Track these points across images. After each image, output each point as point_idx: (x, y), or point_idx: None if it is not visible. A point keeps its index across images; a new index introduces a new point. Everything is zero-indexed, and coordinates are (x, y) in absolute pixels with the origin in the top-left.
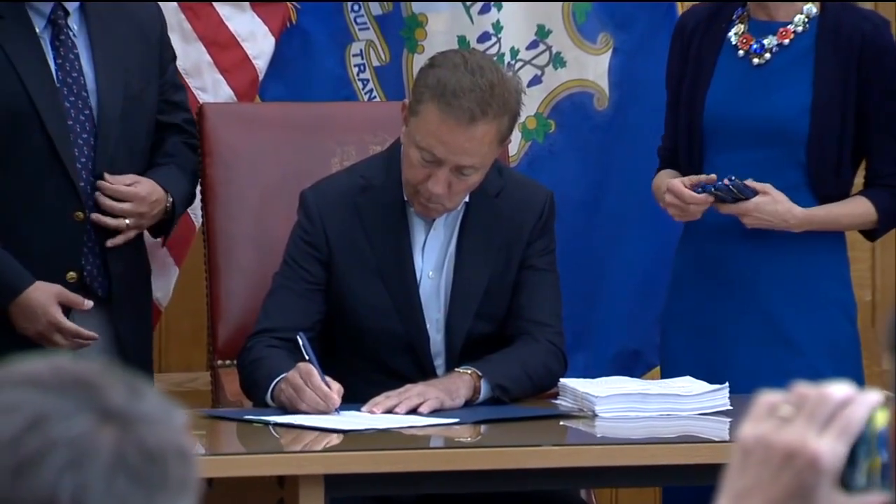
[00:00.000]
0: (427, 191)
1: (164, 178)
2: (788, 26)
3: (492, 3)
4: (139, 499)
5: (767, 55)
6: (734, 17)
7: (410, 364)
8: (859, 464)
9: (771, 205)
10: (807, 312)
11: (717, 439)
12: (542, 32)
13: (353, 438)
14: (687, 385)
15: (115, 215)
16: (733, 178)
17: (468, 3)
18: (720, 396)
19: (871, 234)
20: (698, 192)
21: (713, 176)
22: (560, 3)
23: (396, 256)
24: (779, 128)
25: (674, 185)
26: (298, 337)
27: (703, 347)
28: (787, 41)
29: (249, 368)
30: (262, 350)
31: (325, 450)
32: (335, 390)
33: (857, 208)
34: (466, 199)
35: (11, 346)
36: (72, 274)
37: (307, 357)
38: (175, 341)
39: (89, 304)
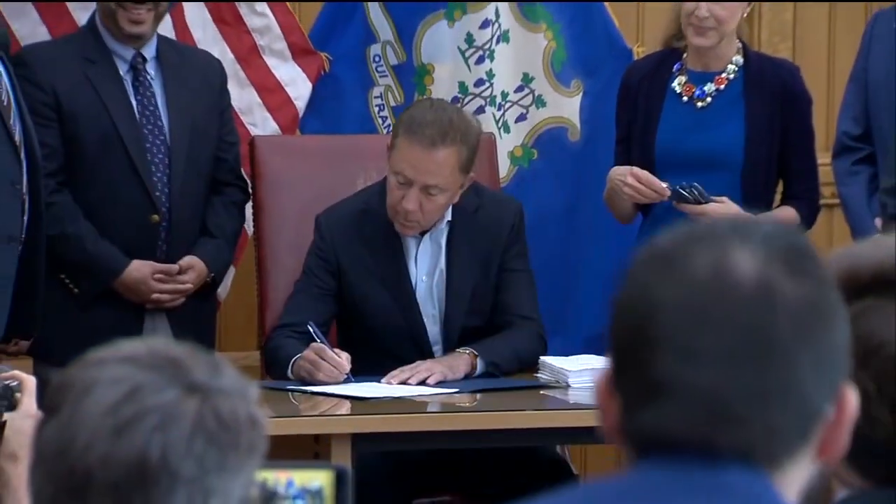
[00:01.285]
0: (403, 209)
1: (211, 254)
2: (723, 74)
3: (486, 55)
4: (213, 457)
5: (709, 99)
6: (674, 70)
7: (412, 350)
8: None
9: (728, 204)
10: None
11: None
12: (527, 79)
13: (373, 405)
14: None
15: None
16: (695, 183)
17: (467, 55)
18: None
19: None
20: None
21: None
22: (541, 55)
23: (394, 265)
24: (719, 157)
25: (638, 170)
26: (308, 325)
27: None
28: (722, 86)
29: (272, 353)
30: (282, 339)
31: (351, 414)
32: (344, 358)
33: (785, 216)
34: (449, 216)
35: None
36: None
37: (318, 339)
38: (232, 327)
39: (175, 267)
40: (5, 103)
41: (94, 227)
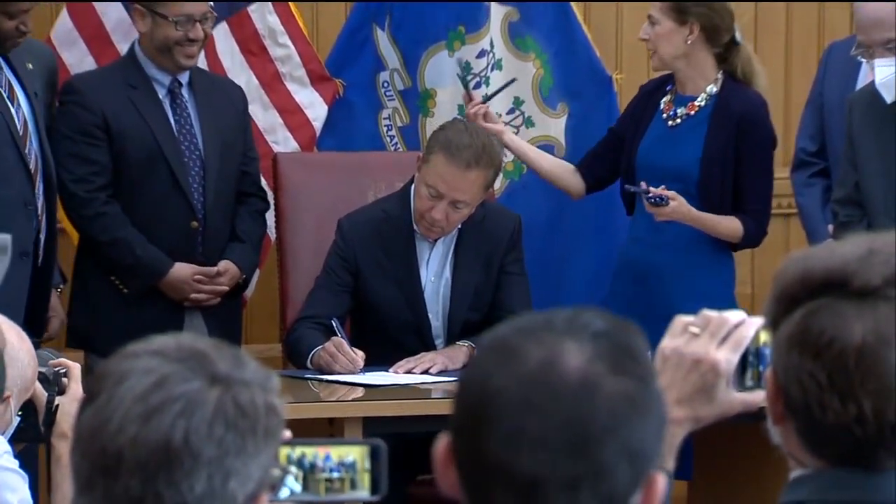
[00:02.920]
0: (431, 217)
1: (243, 259)
2: (696, 101)
3: (482, 81)
4: (232, 441)
5: (678, 120)
6: (668, 89)
7: (418, 343)
8: (748, 369)
9: (684, 206)
10: (697, 301)
11: None
12: (518, 102)
13: (382, 391)
14: None
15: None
16: (650, 192)
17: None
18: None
19: (735, 245)
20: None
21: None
22: (531, 81)
23: (407, 267)
24: (681, 172)
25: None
26: (333, 321)
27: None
28: (693, 112)
29: (294, 343)
30: (304, 330)
31: (362, 399)
32: (359, 356)
33: (731, 222)
34: (459, 225)
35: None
36: None
37: (339, 334)
38: (256, 321)
39: (214, 270)
40: (21, 133)
41: (141, 234)
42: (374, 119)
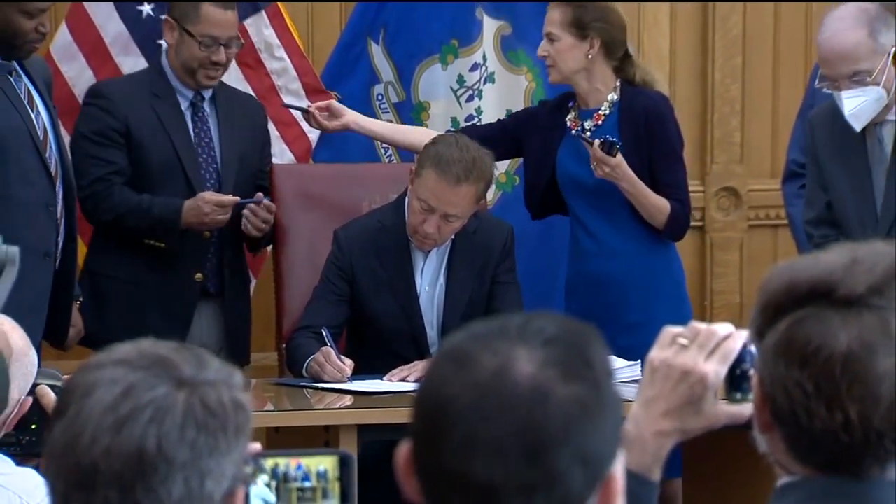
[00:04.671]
0: (423, 230)
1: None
2: (600, 111)
3: (475, 94)
4: (204, 442)
5: (588, 133)
6: (570, 106)
7: (413, 351)
8: (735, 382)
9: (624, 165)
10: (652, 301)
11: (633, 399)
12: (510, 114)
13: (377, 399)
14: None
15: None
16: (607, 137)
17: (458, 94)
18: (634, 370)
19: (665, 230)
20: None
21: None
22: (523, 94)
23: (402, 277)
24: (603, 180)
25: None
26: (322, 330)
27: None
28: (600, 121)
29: (292, 351)
30: (302, 339)
31: (357, 407)
32: (347, 365)
33: (660, 200)
34: (453, 236)
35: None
36: (199, 274)
37: (329, 344)
38: (253, 331)
39: (230, 199)
40: (41, 138)
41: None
42: None
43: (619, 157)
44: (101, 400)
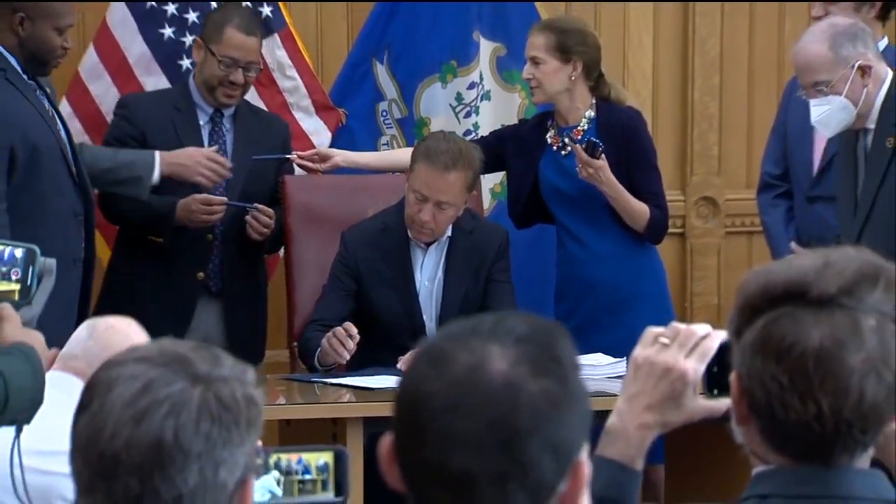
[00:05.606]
0: (419, 219)
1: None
2: (578, 127)
3: (472, 110)
4: (218, 433)
5: (569, 148)
6: (549, 124)
7: (414, 342)
8: (712, 379)
9: (606, 167)
10: (637, 302)
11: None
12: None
13: (381, 393)
14: (597, 358)
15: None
16: (591, 139)
17: (457, 110)
18: (620, 366)
19: (646, 232)
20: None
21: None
22: (516, 110)
23: (403, 272)
24: (586, 193)
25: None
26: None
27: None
28: (579, 137)
29: (304, 344)
30: (312, 333)
31: (363, 400)
32: (353, 332)
33: (640, 204)
34: (450, 233)
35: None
36: (200, 273)
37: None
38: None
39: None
40: (69, 150)
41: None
42: (373, 145)
43: (603, 159)
44: (121, 395)
